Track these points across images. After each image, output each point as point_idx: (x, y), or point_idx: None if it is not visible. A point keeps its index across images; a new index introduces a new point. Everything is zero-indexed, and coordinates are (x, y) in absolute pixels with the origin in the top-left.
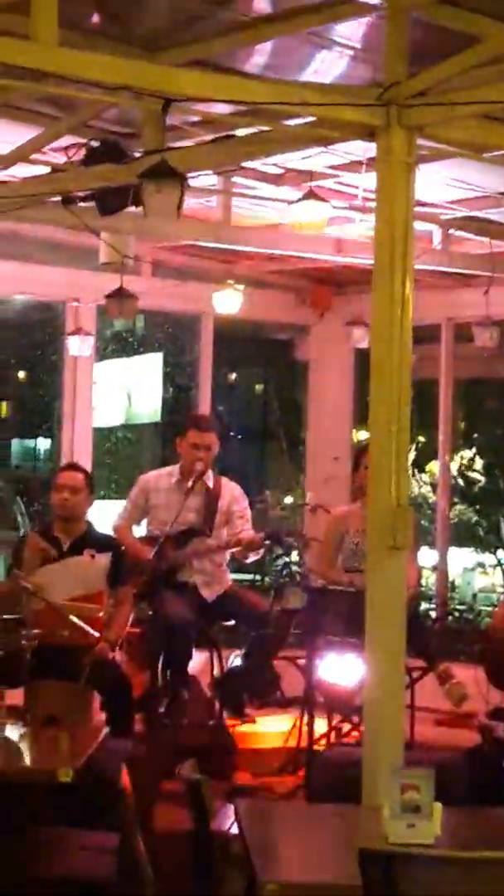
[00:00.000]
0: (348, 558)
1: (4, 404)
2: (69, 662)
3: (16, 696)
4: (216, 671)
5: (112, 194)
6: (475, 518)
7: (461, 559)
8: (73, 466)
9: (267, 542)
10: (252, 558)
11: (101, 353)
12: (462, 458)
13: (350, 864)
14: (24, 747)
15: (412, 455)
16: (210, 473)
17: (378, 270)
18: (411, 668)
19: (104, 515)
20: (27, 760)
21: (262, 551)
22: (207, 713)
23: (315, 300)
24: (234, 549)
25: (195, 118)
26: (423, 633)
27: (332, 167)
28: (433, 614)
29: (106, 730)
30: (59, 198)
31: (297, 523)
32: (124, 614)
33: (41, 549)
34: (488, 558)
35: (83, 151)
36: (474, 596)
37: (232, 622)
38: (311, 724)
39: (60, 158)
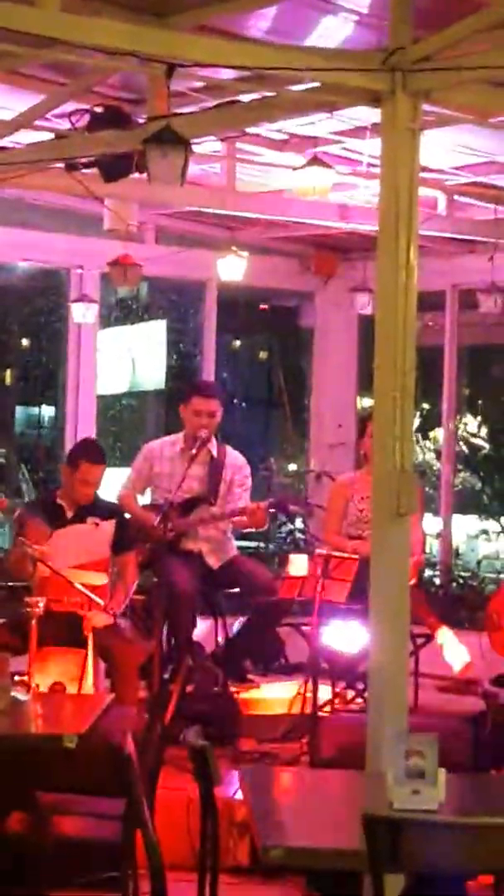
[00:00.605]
0: (353, 525)
1: (8, 372)
2: (75, 630)
3: (21, 663)
4: (220, 638)
5: (116, 161)
6: (479, 485)
7: (465, 526)
8: (97, 458)
9: (272, 510)
10: (254, 529)
11: (105, 321)
12: (466, 424)
13: (354, 829)
14: (30, 714)
15: (416, 422)
16: (214, 441)
17: (383, 237)
18: (415, 635)
19: (108, 483)
20: (32, 727)
21: (265, 526)
22: (211, 680)
23: (319, 267)
24: (237, 519)
25: (199, 84)
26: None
27: (337, 133)
28: (437, 581)
29: (110, 696)
30: (62, 164)
31: (301, 490)
32: (128, 581)
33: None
34: (492, 525)
35: (87, 117)
36: (478, 563)
37: (236, 590)
38: (315, 691)
39: (64, 125)
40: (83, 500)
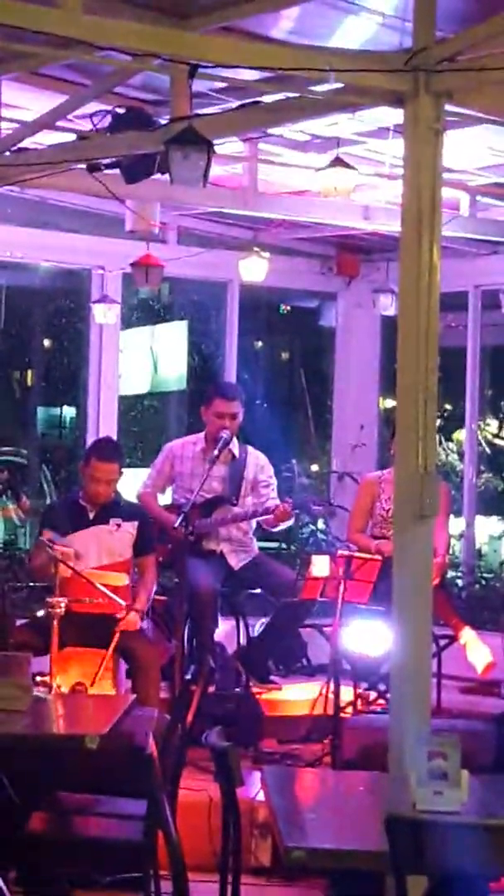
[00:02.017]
0: (378, 525)
1: (30, 372)
2: (96, 630)
3: (43, 664)
4: (242, 639)
5: (138, 161)
6: (502, 486)
7: (488, 527)
8: (108, 455)
9: (296, 511)
10: (280, 527)
11: (127, 321)
12: (489, 425)
13: (377, 831)
14: (51, 714)
15: (439, 423)
16: (235, 442)
17: (405, 237)
18: (438, 636)
19: (129, 483)
20: (54, 727)
21: (291, 521)
22: (233, 681)
23: (342, 267)
24: (262, 518)
25: (221, 85)
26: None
27: (360, 134)
28: (460, 582)
29: (133, 697)
30: (84, 165)
31: (323, 491)
32: (149, 583)
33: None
34: None
35: (109, 118)
36: (501, 564)
37: (258, 590)
38: (337, 692)
39: (86, 126)
40: (97, 499)
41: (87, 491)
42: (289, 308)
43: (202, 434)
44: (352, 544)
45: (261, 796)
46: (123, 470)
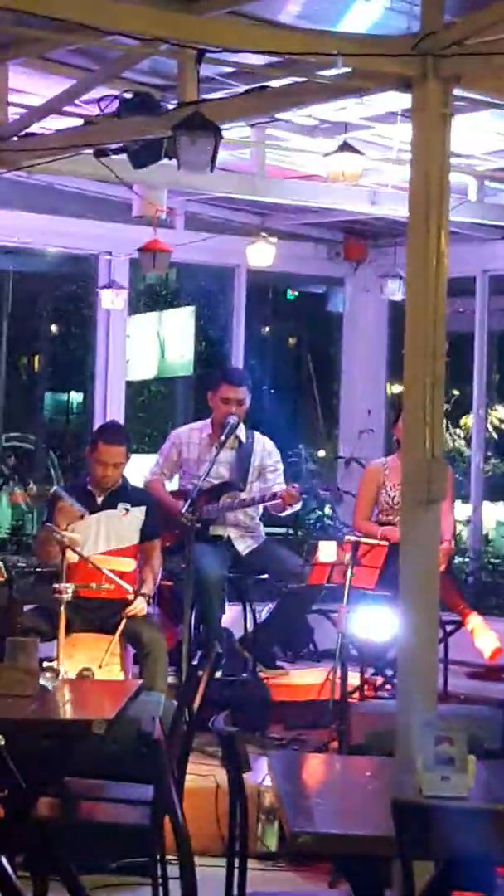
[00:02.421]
0: (383, 511)
1: (37, 358)
2: (103, 616)
3: (50, 649)
4: (249, 625)
5: (145, 147)
6: None
7: (495, 513)
8: (114, 438)
9: (303, 495)
10: (288, 512)
11: (134, 307)
12: (497, 411)
13: (383, 816)
14: (58, 699)
15: (446, 409)
16: (242, 427)
17: (413, 222)
18: (445, 622)
19: (137, 469)
20: (61, 712)
21: (298, 505)
22: (240, 666)
23: (349, 253)
24: (269, 503)
25: (229, 69)
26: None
27: (367, 118)
28: (467, 568)
29: (139, 682)
30: (91, 150)
31: (330, 477)
32: (156, 568)
33: (69, 512)
34: None
35: (116, 103)
36: None
37: (265, 576)
38: (344, 678)
39: (93, 110)
40: (105, 483)
41: (95, 475)
42: (296, 293)
43: (209, 420)
44: (358, 532)
45: (267, 781)
46: (131, 454)
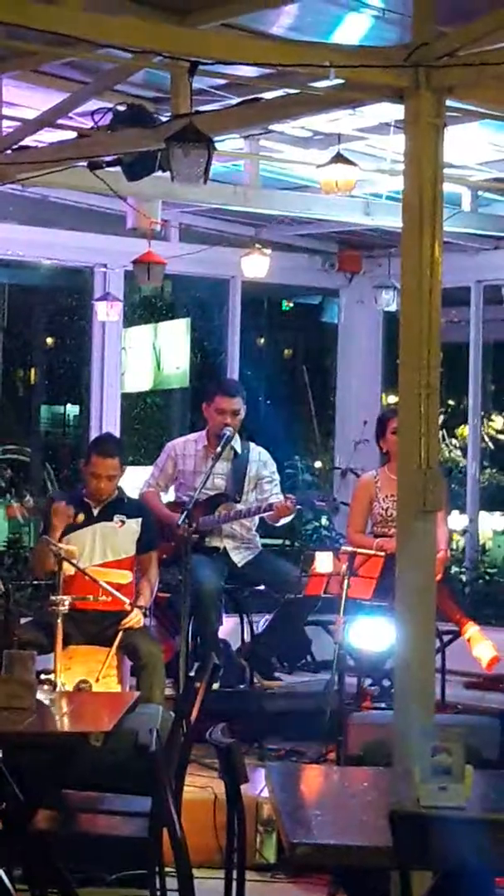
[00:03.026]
0: (378, 524)
1: (33, 370)
2: (100, 628)
3: (47, 661)
4: (246, 636)
5: (139, 159)
6: None
7: (491, 523)
8: (108, 451)
9: (299, 506)
10: (283, 522)
11: (129, 319)
12: (493, 421)
13: (381, 826)
14: (56, 712)
15: (442, 419)
16: (237, 438)
17: (407, 233)
18: (442, 632)
19: (133, 481)
20: (58, 725)
21: (293, 516)
22: (238, 677)
23: (344, 264)
24: (265, 514)
25: (222, 81)
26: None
27: (360, 129)
28: (464, 578)
29: (137, 695)
30: (85, 163)
31: (326, 488)
32: (152, 580)
33: (64, 512)
34: None
35: (110, 116)
36: None
37: (262, 587)
38: (341, 688)
39: (87, 123)
40: (100, 495)
41: (90, 487)
42: (291, 304)
43: (204, 432)
44: (353, 545)
45: (265, 793)
46: (126, 466)
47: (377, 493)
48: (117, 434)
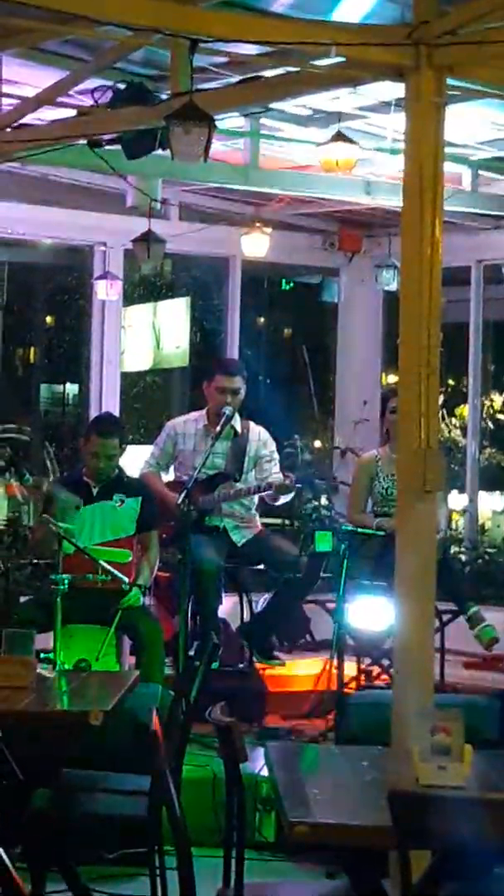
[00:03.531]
0: (378, 503)
1: (32, 349)
2: (100, 607)
3: (47, 640)
4: (246, 615)
5: (139, 137)
6: None
7: (491, 502)
8: (107, 431)
9: (298, 485)
10: (282, 501)
11: (129, 298)
12: (493, 401)
13: (380, 806)
14: (55, 691)
15: (442, 399)
16: (237, 417)
17: (407, 212)
18: (441, 611)
19: (133, 460)
20: (58, 704)
21: (292, 494)
22: (237, 657)
23: (344, 243)
24: (264, 493)
25: (222, 59)
26: (452, 575)
27: (361, 108)
28: (463, 558)
29: (136, 674)
30: (85, 141)
31: (326, 467)
32: (152, 559)
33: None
34: None
35: (110, 94)
36: None
37: (261, 566)
38: (340, 668)
39: (87, 101)
40: (99, 475)
41: (89, 466)
42: (291, 283)
43: (203, 411)
44: (353, 524)
45: (264, 772)
46: (125, 446)
47: (378, 472)
48: (117, 413)
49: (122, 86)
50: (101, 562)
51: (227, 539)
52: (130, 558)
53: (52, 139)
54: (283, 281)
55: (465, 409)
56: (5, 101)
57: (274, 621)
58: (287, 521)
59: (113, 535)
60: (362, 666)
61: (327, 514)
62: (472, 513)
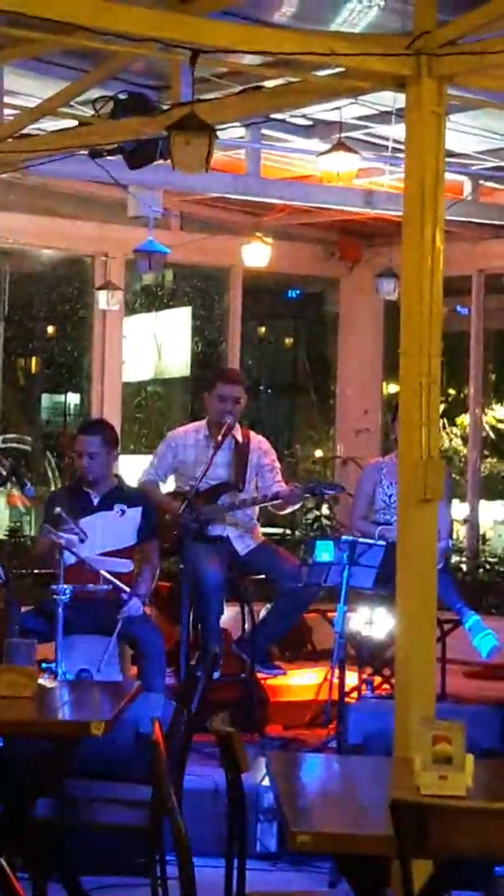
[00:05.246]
0: (380, 511)
1: (34, 359)
2: (101, 617)
3: (48, 650)
4: (247, 625)
5: (140, 147)
6: None
7: (492, 512)
8: (88, 428)
9: (305, 494)
10: (288, 510)
11: (130, 308)
12: (493, 410)
13: (382, 815)
14: (57, 701)
15: (442, 408)
16: (238, 427)
17: (408, 222)
18: (442, 621)
19: (135, 470)
20: (59, 714)
21: (298, 503)
22: (238, 666)
23: (344, 252)
24: (271, 503)
25: (223, 70)
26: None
27: (362, 118)
28: (464, 567)
29: (137, 683)
30: (87, 151)
31: (327, 476)
32: (153, 568)
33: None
34: None
35: (111, 104)
36: None
37: (262, 576)
38: (341, 677)
39: (88, 112)
40: (85, 476)
41: (76, 467)
42: (296, 292)
43: (204, 421)
44: (355, 531)
45: (266, 782)
46: (117, 453)
47: (382, 479)
48: (118, 423)
49: (123, 96)
50: (103, 572)
51: (229, 549)
52: (131, 568)
53: (53, 149)
54: (288, 290)
55: (465, 419)
56: (7, 111)
57: (275, 631)
58: (288, 531)
59: (114, 544)
60: (364, 675)
61: (328, 524)
62: (472, 522)
